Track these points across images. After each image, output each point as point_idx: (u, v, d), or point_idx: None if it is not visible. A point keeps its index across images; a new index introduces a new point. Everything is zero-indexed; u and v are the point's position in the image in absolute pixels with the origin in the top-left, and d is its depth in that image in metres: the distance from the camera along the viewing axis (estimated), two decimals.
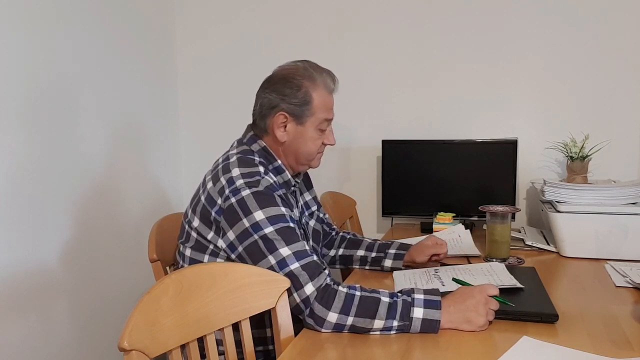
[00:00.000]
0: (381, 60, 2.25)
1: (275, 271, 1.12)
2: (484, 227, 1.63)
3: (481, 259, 1.60)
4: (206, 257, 1.23)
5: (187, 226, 1.27)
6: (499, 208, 1.57)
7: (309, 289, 1.10)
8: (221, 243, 1.20)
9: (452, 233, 1.82)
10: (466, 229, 1.84)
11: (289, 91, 1.28)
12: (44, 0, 1.68)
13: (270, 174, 1.25)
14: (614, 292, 1.30)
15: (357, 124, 2.29)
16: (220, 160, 1.30)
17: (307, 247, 1.16)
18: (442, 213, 1.95)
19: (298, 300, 1.11)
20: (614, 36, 2.02)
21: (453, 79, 2.18)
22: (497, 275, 1.33)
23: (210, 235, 1.21)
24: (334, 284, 1.12)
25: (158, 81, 2.33)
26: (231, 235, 1.17)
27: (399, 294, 1.11)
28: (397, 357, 0.97)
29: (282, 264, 1.12)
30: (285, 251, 1.13)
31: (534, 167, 2.12)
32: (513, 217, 1.84)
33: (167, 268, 1.41)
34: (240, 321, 1.06)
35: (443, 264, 1.49)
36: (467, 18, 2.14)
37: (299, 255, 1.13)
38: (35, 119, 1.65)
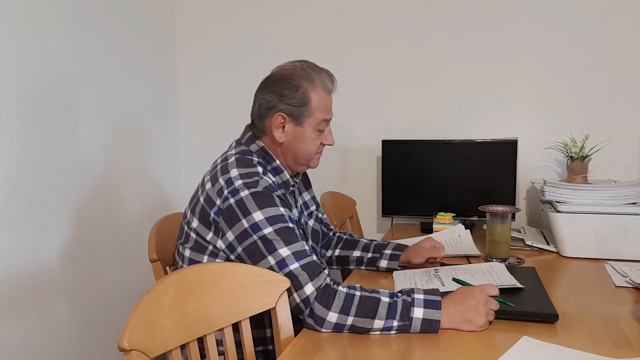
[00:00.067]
0: (381, 60, 2.25)
1: (275, 271, 1.12)
2: (484, 227, 1.63)
3: (481, 259, 1.60)
4: (205, 258, 1.23)
5: (186, 227, 1.27)
6: (499, 208, 1.57)
7: (309, 289, 1.10)
8: (220, 244, 1.20)
9: (452, 233, 1.82)
10: (466, 229, 1.84)
11: (287, 92, 1.28)
12: (44, 0, 1.68)
13: (269, 174, 1.25)
14: (614, 292, 1.30)
15: (357, 124, 2.29)
16: (219, 160, 1.30)
17: (306, 247, 1.16)
18: (442, 213, 1.95)
19: (298, 300, 1.11)
20: (614, 36, 2.02)
21: (453, 79, 2.18)
22: (497, 275, 1.33)
23: (210, 236, 1.21)
24: (333, 284, 1.12)
25: (158, 81, 2.33)
26: (230, 236, 1.17)
27: (399, 294, 1.11)
28: (397, 357, 0.97)
29: (281, 264, 1.12)
30: (284, 251, 1.13)
31: (534, 167, 2.12)
32: (513, 217, 1.84)
33: (167, 268, 1.41)
34: (240, 321, 1.06)
35: (443, 264, 1.49)
36: (467, 18, 2.14)
37: (298, 255, 1.13)
38: (35, 119, 1.65)
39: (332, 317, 1.08)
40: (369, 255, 1.52)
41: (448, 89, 2.19)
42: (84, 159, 1.86)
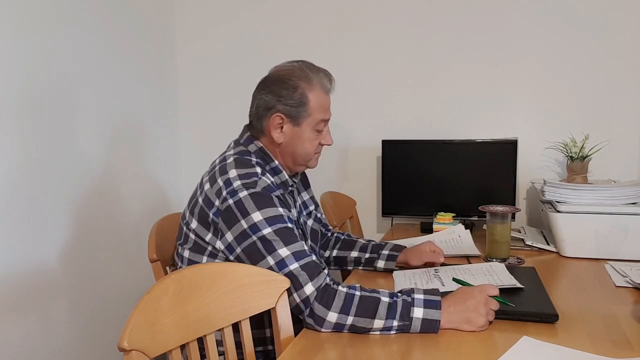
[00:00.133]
0: (381, 60, 2.25)
1: (274, 272, 1.12)
2: (484, 227, 1.63)
3: (481, 259, 1.60)
4: (204, 259, 1.23)
5: (185, 228, 1.27)
6: (499, 208, 1.57)
7: (309, 289, 1.10)
8: (219, 244, 1.19)
9: (452, 233, 1.82)
10: (466, 229, 1.84)
11: (285, 92, 1.28)
12: (44, 0, 1.68)
13: (268, 174, 1.25)
14: (614, 292, 1.30)
15: (357, 124, 2.29)
16: (217, 161, 1.29)
17: (305, 247, 1.16)
18: (442, 213, 1.95)
19: (298, 300, 1.11)
20: (614, 36, 2.02)
21: (453, 79, 2.18)
22: (497, 275, 1.33)
23: (209, 237, 1.21)
24: (333, 284, 1.12)
25: (158, 81, 2.33)
26: (229, 236, 1.17)
27: (399, 294, 1.11)
28: (397, 357, 0.97)
29: (281, 264, 1.12)
30: (284, 252, 1.13)
31: (534, 167, 2.12)
32: (513, 217, 1.84)
33: (167, 268, 1.41)
34: (240, 321, 1.06)
35: (443, 264, 1.49)
36: (467, 18, 2.14)
37: (297, 255, 1.13)
38: (35, 119, 1.65)
39: (332, 317, 1.08)
40: (367, 255, 1.52)
41: (448, 89, 2.19)
42: (84, 159, 1.86)
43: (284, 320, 1.11)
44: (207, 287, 0.99)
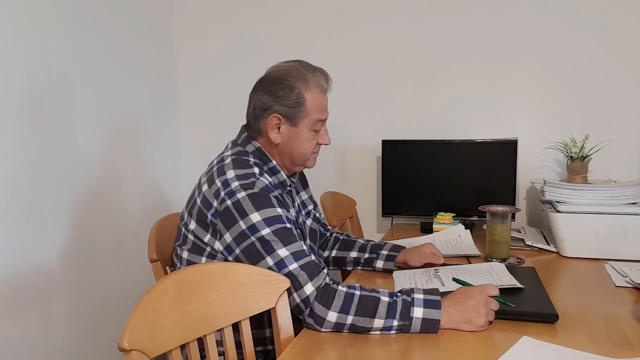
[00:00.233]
0: (381, 60, 2.25)
1: (274, 272, 1.12)
2: (484, 227, 1.63)
3: (481, 259, 1.60)
4: (203, 260, 1.23)
5: (183, 229, 1.27)
6: (499, 208, 1.57)
7: (309, 288, 1.10)
8: (218, 245, 1.19)
9: (452, 233, 1.82)
10: (466, 229, 1.84)
11: (282, 93, 1.27)
12: (44, 0, 1.68)
13: (266, 174, 1.25)
14: (614, 292, 1.30)
15: (357, 124, 2.29)
16: (215, 162, 1.29)
17: (304, 247, 1.16)
18: (442, 213, 1.95)
19: (298, 300, 1.11)
20: (614, 36, 2.02)
21: (453, 79, 2.18)
22: (497, 275, 1.33)
23: (207, 238, 1.21)
24: (333, 284, 1.12)
25: (158, 81, 2.33)
26: (228, 237, 1.17)
27: (399, 294, 1.11)
28: (397, 357, 0.97)
29: (280, 264, 1.12)
30: (283, 252, 1.13)
31: (534, 167, 2.12)
32: (513, 217, 1.84)
33: (167, 268, 1.41)
34: (240, 321, 1.06)
35: (443, 264, 1.49)
36: (467, 18, 2.14)
37: (297, 255, 1.13)
38: (35, 119, 1.65)
39: (332, 316, 1.08)
40: (366, 255, 1.52)
41: (448, 89, 2.19)
42: (84, 159, 1.86)
43: (284, 320, 1.11)
44: (207, 287, 0.99)
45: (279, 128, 1.30)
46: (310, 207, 1.52)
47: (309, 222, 1.47)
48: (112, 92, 2.01)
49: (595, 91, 2.05)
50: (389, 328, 1.07)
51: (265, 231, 1.14)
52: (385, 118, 2.26)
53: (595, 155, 1.92)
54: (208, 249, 1.21)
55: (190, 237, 1.24)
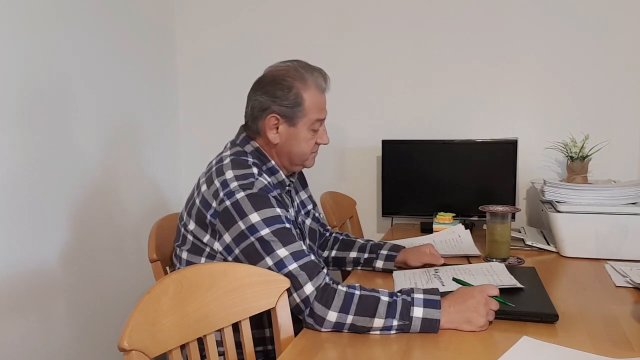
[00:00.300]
0: (381, 60, 2.25)
1: (274, 272, 1.12)
2: (484, 227, 1.63)
3: (481, 259, 1.60)
4: (202, 260, 1.22)
5: (182, 229, 1.27)
6: (499, 208, 1.57)
7: (309, 288, 1.10)
8: (217, 246, 1.19)
9: (452, 233, 1.82)
10: (466, 229, 1.84)
11: (280, 93, 1.27)
12: (44, 0, 1.68)
13: (265, 174, 1.24)
14: (614, 292, 1.30)
15: (357, 124, 2.29)
16: (214, 162, 1.29)
17: (304, 247, 1.16)
18: (442, 213, 1.95)
19: (298, 300, 1.11)
20: (614, 36, 2.02)
21: (453, 79, 2.18)
22: (497, 275, 1.33)
23: (207, 238, 1.21)
24: (333, 283, 1.12)
25: (158, 81, 2.33)
26: (227, 238, 1.17)
27: (399, 294, 1.11)
28: (397, 357, 0.97)
29: (280, 265, 1.12)
30: (282, 252, 1.13)
31: (534, 167, 2.12)
32: (513, 217, 1.84)
33: (167, 268, 1.41)
34: (240, 321, 1.06)
35: (443, 264, 1.48)
36: (467, 18, 2.14)
37: (296, 255, 1.13)
38: (35, 119, 1.65)
39: (332, 316, 1.08)
40: (365, 255, 1.52)
41: (448, 89, 2.19)
42: (84, 159, 1.86)
43: (284, 320, 1.11)
44: (207, 287, 0.99)
45: (278, 128, 1.30)
46: (310, 206, 1.52)
47: (308, 221, 1.47)
48: (112, 92, 2.01)
49: (595, 91, 2.05)
50: (389, 328, 1.07)
51: (265, 231, 1.14)
52: (385, 118, 2.26)
53: (595, 155, 1.92)
54: (207, 249, 1.21)
55: (190, 237, 1.24)
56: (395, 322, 1.06)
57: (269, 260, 1.13)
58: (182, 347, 0.95)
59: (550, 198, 1.70)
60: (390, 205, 2.15)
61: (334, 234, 1.61)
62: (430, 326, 1.06)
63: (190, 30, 2.44)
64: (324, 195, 1.91)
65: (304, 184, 1.54)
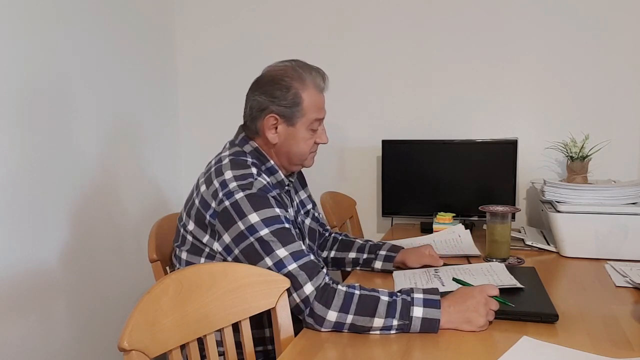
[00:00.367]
0: (381, 60, 2.25)
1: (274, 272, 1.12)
2: (484, 227, 1.63)
3: (481, 259, 1.60)
4: (202, 260, 1.22)
5: (182, 229, 1.27)
6: (499, 208, 1.57)
7: (308, 288, 1.10)
8: (217, 246, 1.19)
9: (452, 233, 1.82)
10: (466, 229, 1.84)
11: (278, 93, 1.27)
12: (44, 0, 1.68)
13: (264, 174, 1.24)
14: (614, 292, 1.30)
15: (356, 124, 2.29)
16: (213, 162, 1.29)
17: (303, 247, 1.16)
18: (442, 213, 1.95)
19: (298, 300, 1.11)
20: (614, 36, 2.02)
21: (453, 79, 2.18)
22: (497, 275, 1.33)
23: (206, 239, 1.21)
24: (332, 283, 1.12)
25: (158, 81, 2.33)
26: (227, 238, 1.17)
27: (399, 294, 1.11)
28: (397, 357, 0.97)
29: (279, 265, 1.12)
30: (282, 252, 1.13)
31: (534, 167, 2.12)
32: (513, 217, 1.84)
33: (167, 268, 1.41)
34: (240, 321, 1.06)
35: (444, 264, 1.48)
36: (467, 18, 2.14)
37: (296, 255, 1.13)
38: (35, 119, 1.65)
39: (332, 315, 1.08)
40: (365, 256, 1.52)
41: (448, 89, 2.19)
42: (84, 159, 1.86)
43: (284, 320, 1.11)
44: (207, 287, 0.99)
45: (276, 128, 1.30)
46: (309, 206, 1.52)
47: (307, 221, 1.47)
48: (112, 92, 2.01)
49: (595, 91, 2.05)
50: (389, 327, 1.07)
51: (264, 232, 1.14)
52: (385, 118, 2.26)
53: (595, 155, 1.92)
54: (207, 249, 1.21)
55: (189, 238, 1.24)
56: (395, 322, 1.06)
57: (268, 261, 1.13)
58: (182, 347, 0.95)
59: (550, 198, 1.70)
60: (390, 205, 2.15)
61: (333, 234, 1.61)
62: (430, 326, 1.06)
63: (190, 30, 2.43)
64: (324, 195, 1.91)
65: (303, 184, 1.54)
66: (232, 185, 1.18)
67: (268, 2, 2.34)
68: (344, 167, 2.34)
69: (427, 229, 2.01)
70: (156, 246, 1.37)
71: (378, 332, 1.08)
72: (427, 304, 1.07)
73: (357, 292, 1.10)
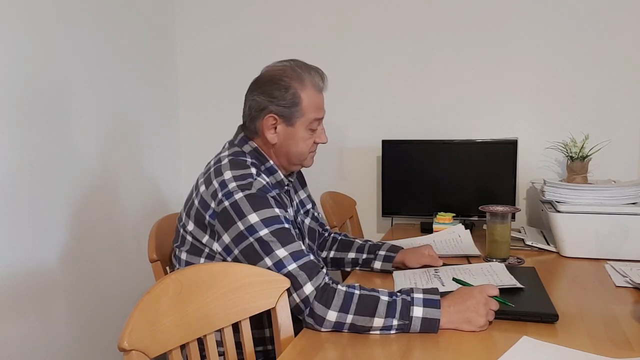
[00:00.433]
0: (381, 60, 2.24)
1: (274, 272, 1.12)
2: (484, 227, 1.63)
3: (481, 259, 1.60)
4: (202, 260, 1.22)
5: (181, 230, 1.27)
6: (499, 208, 1.57)
7: (308, 288, 1.10)
8: (216, 246, 1.19)
9: (452, 233, 1.82)
10: (466, 229, 1.84)
11: (277, 93, 1.27)
12: (44, 0, 1.68)
13: (263, 174, 1.24)
14: (614, 292, 1.30)
15: (357, 124, 2.29)
16: (212, 162, 1.29)
17: (303, 247, 1.16)
18: (442, 213, 1.95)
19: (297, 300, 1.11)
20: (614, 36, 2.02)
21: (453, 79, 2.18)
22: (497, 275, 1.33)
23: (206, 239, 1.21)
24: (332, 283, 1.12)
25: (158, 81, 2.33)
26: (226, 238, 1.17)
27: (398, 293, 1.11)
28: (397, 357, 0.97)
29: (279, 265, 1.12)
30: (281, 252, 1.13)
31: (534, 167, 2.12)
32: (513, 217, 1.84)
33: (167, 268, 1.41)
34: (240, 321, 1.06)
35: (444, 264, 1.48)
36: (467, 18, 2.14)
37: (295, 255, 1.13)
38: (35, 119, 1.65)
39: (332, 315, 1.08)
40: (364, 256, 1.52)
41: (448, 89, 2.19)
42: (84, 159, 1.86)
43: (284, 320, 1.11)
44: (207, 287, 0.99)
45: (276, 128, 1.30)
46: (309, 206, 1.52)
47: (307, 221, 1.47)
48: (112, 91, 2.01)
49: (595, 91, 2.05)
50: (389, 327, 1.07)
51: (264, 232, 1.14)
52: (385, 118, 2.26)
53: (595, 155, 1.92)
54: (206, 250, 1.21)
55: (189, 238, 1.24)
56: (395, 322, 1.06)
57: (268, 261, 1.13)
58: (182, 347, 0.95)
59: (550, 198, 1.70)
60: (390, 205, 2.15)
61: (332, 234, 1.61)
62: (430, 326, 1.06)
63: (190, 30, 2.43)
64: (324, 195, 1.91)
65: (302, 184, 1.54)
66: (232, 185, 1.18)
67: (268, 2, 2.34)
68: (343, 167, 2.34)
69: (427, 229, 2.01)
70: (156, 246, 1.37)
71: (378, 332, 1.08)
72: (427, 303, 1.07)
73: (357, 292, 1.10)
